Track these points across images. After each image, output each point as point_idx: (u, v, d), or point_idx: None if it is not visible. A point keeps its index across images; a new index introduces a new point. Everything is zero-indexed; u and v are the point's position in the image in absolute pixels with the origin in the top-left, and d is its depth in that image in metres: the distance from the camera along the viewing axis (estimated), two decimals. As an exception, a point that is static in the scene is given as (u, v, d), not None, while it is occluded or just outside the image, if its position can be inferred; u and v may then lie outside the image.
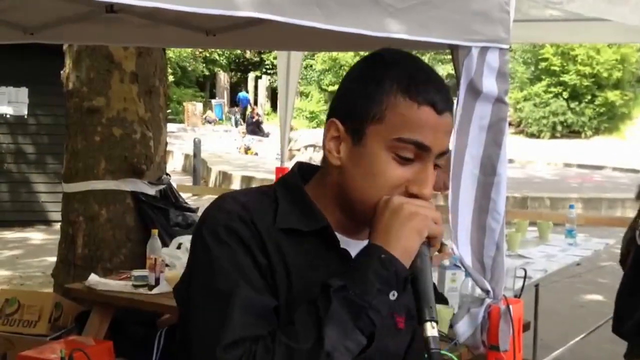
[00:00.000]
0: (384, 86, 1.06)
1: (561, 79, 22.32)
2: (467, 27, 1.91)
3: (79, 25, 3.15)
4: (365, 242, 1.09)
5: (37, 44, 3.40)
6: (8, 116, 8.98)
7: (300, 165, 1.19)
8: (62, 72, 4.78)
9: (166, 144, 4.98)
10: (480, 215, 2.04)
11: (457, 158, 2.02)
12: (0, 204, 9.10)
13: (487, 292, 2.07)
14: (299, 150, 15.37)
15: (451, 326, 2.36)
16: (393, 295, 1.00)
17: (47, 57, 5.83)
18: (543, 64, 22.62)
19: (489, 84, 1.97)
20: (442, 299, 2.66)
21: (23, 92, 8.95)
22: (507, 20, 1.94)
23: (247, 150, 19.22)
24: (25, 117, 9.01)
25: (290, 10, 1.54)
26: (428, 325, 0.99)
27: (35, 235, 8.66)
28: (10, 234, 8.66)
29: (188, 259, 1.12)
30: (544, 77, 22.70)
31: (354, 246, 1.10)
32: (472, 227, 2.05)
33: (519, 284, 2.58)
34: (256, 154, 18.94)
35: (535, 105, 22.49)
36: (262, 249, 1.05)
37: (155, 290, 3.27)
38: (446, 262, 2.87)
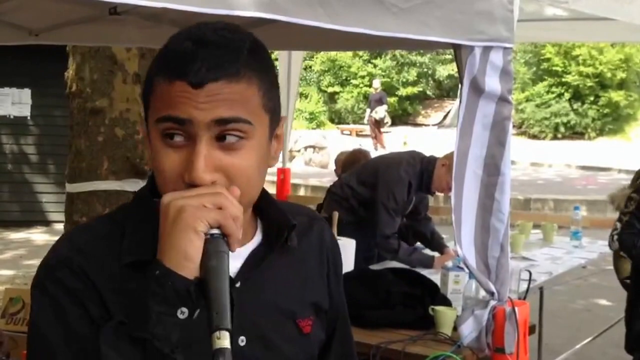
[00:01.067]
0: (149, 71, 0.95)
1: (563, 79, 22.25)
2: (471, 26, 1.91)
3: (83, 26, 3.16)
4: (247, 245, 1.01)
5: (40, 45, 3.42)
6: (11, 117, 8.99)
7: (152, 174, 1.00)
8: (65, 73, 4.79)
9: (168, 144, 4.98)
10: (484, 215, 2.03)
11: (460, 158, 2.02)
12: (3, 205, 9.11)
13: (491, 293, 2.06)
14: (299, 151, 15.36)
15: (455, 328, 2.35)
16: (182, 314, 0.85)
17: (49, 58, 5.85)
18: (545, 65, 22.56)
19: (492, 83, 1.96)
20: (445, 301, 2.65)
21: (26, 94, 8.97)
22: (510, 20, 1.93)
23: None
24: (28, 118, 9.02)
25: (294, 10, 1.54)
26: (215, 335, 0.82)
27: (38, 236, 8.67)
28: (13, 235, 8.67)
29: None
30: (545, 77, 22.63)
31: (233, 256, 0.93)
32: (476, 228, 2.04)
33: (523, 286, 2.56)
34: None
35: (537, 106, 22.42)
36: (97, 301, 0.93)
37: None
38: (449, 264, 2.86)
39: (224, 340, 0.82)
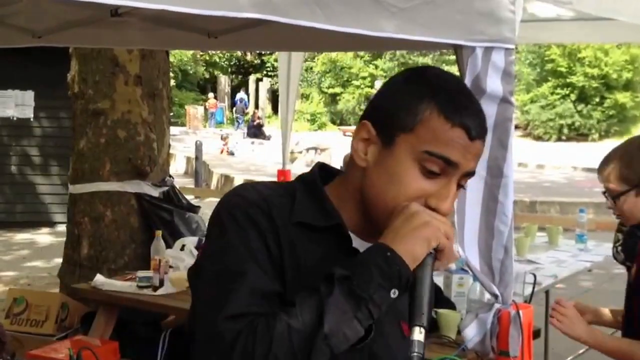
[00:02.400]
0: (422, 100, 1.10)
1: (568, 80, 22.19)
2: (471, 27, 1.89)
3: (85, 28, 3.17)
4: None
5: (43, 48, 3.44)
6: (14, 119, 9.01)
7: (320, 165, 1.23)
8: (68, 75, 4.80)
9: (169, 146, 4.99)
10: (487, 217, 2.01)
11: (463, 160, 2.00)
12: (6, 206, 9.13)
13: (495, 296, 2.03)
14: (300, 152, 15.36)
15: (459, 331, 2.33)
16: (394, 294, 1.02)
17: (52, 61, 5.86)
18: (549, 66, 22.50)
19: (494, 84, 1.94)
20: (449, 304, 2.63)
21: (29, 95, 8.99)
22: (512, 20, 1.91)
23: (230, 154, 19.10)
24: (31, 119, 9.04)
25: (292, 11, 1.53)
26: (416, 329, 1.02)
27: (42, 237, 8.69)
28: (16, 235, 8.69)
29: (204, 240, 1.16)
30: (550, 78, 22.57)
31: (364, 248, 1.12)
32: (480, 230, 2.02)
33: (528, 289, 2.54)
34: (232, 153, 18.85)
35: (541, 107, 22.37)
36: (276, 241, 1.08)
37: (159, 292, 3.26)
38: (453, 266, 2.84)
39: (422, 335, 1.02)
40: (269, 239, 1.08)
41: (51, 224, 9.05)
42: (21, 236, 8.71)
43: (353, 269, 1.02)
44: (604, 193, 2.25)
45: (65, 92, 4.88)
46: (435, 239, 1.05)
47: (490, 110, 1.93)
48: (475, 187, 2.00)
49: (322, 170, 1.21)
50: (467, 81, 1.91)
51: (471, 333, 2.10)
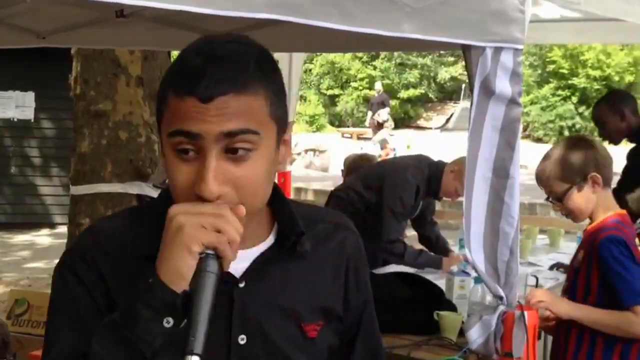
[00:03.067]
0: (162, 85, 1.00)
1: (570, 82, 22.16)
2: (484, 27, 1.89)
3: (90, 29, 3.17)
4: (251, 250, 1.05)
5: (44, 48, 3.43)
6: (15, 120, 9.00)
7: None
8: (69, 76, 4.79)
9: (171, 147, 4.99)
10: (493, 219, 2.01)
11: (470, 160, 2.00)
12: (7, 207, 9.12)
13: (500, 298, 2.03)
14: (299, 154, 15.35)
15: (461, 333, 2.33)
16: (168, 323, 0.91)
17: (53, 62, 5.85)
18: (551, 67, 22.47)
19: (503, 85, 1.94)
20: (450, 306, 2.63)
21: (30, 97, 8.99)
22: (522, 20, 1.91)
23: None
24: (32, 121, 9.03)
25: (307, 11, 1.53)
26: (187, 358, 0.87)
27: (42, 238, 8.68)
28: (17, 237, 8.68)
29: None
30: (551, 80, 22.54)
31: (241, 257, 1.00)
32: (486, 231, 2.02)
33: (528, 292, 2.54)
34: None
35: (542, 109, 22.34)
36: (104, 291, 1.02)
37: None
38: (454, 269, 2.84)
39: None
40: (97, 294, 1.02)
41: (51, 225, 9.03)
42: (21, 237, 8.70)
43: (122, 309, 0.94)
44: (547, 199, 2.32)
45: (66, 93, 4.88)
46: (196, 241, 0.91)
47: (498, 111, 1.93)
48: (480, 189, 2.00)
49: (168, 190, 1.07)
50: (477, 82, 1.91)
51: (475, 335, 2.10)
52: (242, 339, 1.03)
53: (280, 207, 1.10)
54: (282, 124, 1.02)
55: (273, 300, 1.06)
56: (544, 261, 3.89)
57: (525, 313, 2.03)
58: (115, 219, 1.10)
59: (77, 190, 4.62)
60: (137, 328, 0.91)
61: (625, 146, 3.85)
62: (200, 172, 0.94)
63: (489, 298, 2.15)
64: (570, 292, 2.35)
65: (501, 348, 2.07)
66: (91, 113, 4.58)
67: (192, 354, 0.87)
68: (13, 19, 3.07)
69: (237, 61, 0.96)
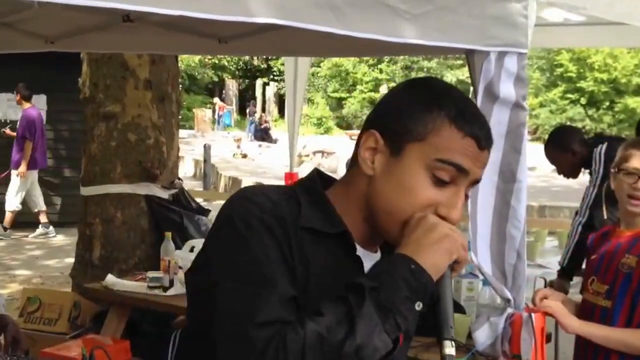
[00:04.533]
0: (432, 110, 1.11)
1: (578, 85, 22.09)
2: (485, 31, 1.89)
3: (97, 34, 3.19)
4: (376, 255, 1.17)
5: (55, 53, 3.46)
6: (27, 122, 9.07)
7: (319, 171, 1.23)
8: (79, 79, 4.83)
9: (178, 149, 5.02)
10: (499, 222, 2.01)
11: (475, 164, 2.00)
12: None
13: (507, 300, 2.03)
14: (307, 156, 15.36)
15: (469, 335, 2.33)
16: (418, 306, 1.01)
17: (64, 65, 5.89)
18: (558, 70, 22.41)
19: (507, 89, 1.94)
20: (458, 308, 2.63)
21: (41, 99, 9.07)
22: (525, 25, 1.92)
23: (244, 156, 19.08)
24: (44, 123, 9.10)
25: (306, 17, 1.54)
26: (447, 343, 1.03)
27: (53, 238, 8.74)
28: (29, 236, 8.74)
29: (206, 243, 1.14)
30: (559, 83, 22.48)
31: (365, 257, 1.14)
32: (492, 235, 2.02)
33: (538, 294, 2.53)
34: (245, 155, 18.89)
35: (551, 111, 22.28)
36: (289, 247, 1.08)
37: (169, 292, 3.29)
38: (462, 271, 2.84)
39: (453, 349, 1.03)
40: (284, 246, 1.08)
41: (62, 224, 9.10)
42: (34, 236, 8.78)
43: (380, 279, 1.02)
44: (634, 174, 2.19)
45: (77, 96, 4.91)
46: (457, 251, 1.07)
47: (503, 115, 1.93)
48: (487, 193, 2.00)
49: (320, 176, 1.21)
50: (480, 87, 1.91)
51: (482, 337, 2.10)
52: None
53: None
54: None
55: None
56: (553, 263, 3.91)
57: (533, 316, 2.03)
58: (278, 191, 1.16)
59: (87, 190, 4.66)
60: (398, 301, 1.00)
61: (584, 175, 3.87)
62: (452, 201, 1.10)
63: (497, 300, 2.15)
64: (614, 296, 2.18)
65: (509, 350, 2.07)
66: (100, 115, 4.62)
67: (453, 340, 1.03)
68: (22, 24, 3.10)
69: (488, 124, 1.15)
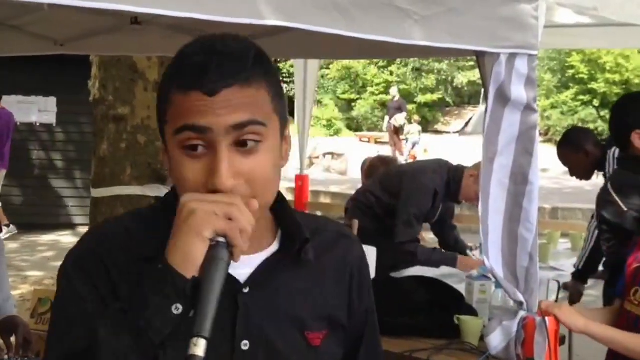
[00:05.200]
0: (163, 84, 0.99)
1: (589, 86, 21.93)
2: (495, 33, 1.88)
3: (106, 36, 3.19)
4: (253, 256, 1.03)
5: (65, 55, 3.47)
6: (37, 125, 9.13)
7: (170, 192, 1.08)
8: (88, 82, 4.85)
9: (188, 150, 5.02)
10: (511, 224, 1.99)
11: (485, 167, 1.99)
12: (31, 208, 9.23)
13: (520, 303, 2.02)
14: (317, 157, 15.35)
15: (481, 338, 2.31)
16: (177, 309, 0.89)
17: (73, 67, 5.92)
18: (570, 72, 22.28)
19: (518, 91, 1.93)
20: (471, 310, 2.61)
21: (51, 102, 9.11)
22: (535, 26, 1.90)
23: None
24: (54, 125, 9.15)
25: (314, 19, 1.53)
26: (192, 341, 0.85)
27: (65, 238, 8.77)
28: (41, 237, 8.79)
29: None
30: (571, 85, 22.35)
31: (245, 263, 0.99)
32: (503, 237, 2.01)
33: (552, 297, 2.51)
34: None
35: (562, 113, 22.14)
36: (111, 289, 0.98)
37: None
38: (474, 273, 2.82)
39: (199, 348, 0.85)
40: (103, 290, 0.98)
41: (73, 226, 9.14)
42: (45, 238, 8.82)
43: (130, 297, 0.92)
44: None
45: (86, 98, 4.93)
46: (208, 226, 0.89)
47: (514, 118, 1.92)
48: (497, 196, 1.99)
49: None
50: (492, 90, 1.90)
51: (495, 340, 2.09)
52: (245, 345, 1.00)
53: (283, 213, 1.08)
54: (283, 119, 1.02)
55: (277, 307, 1.04)
56: (566, 266, 3.83)
57: (547, 319, 2.01)
58: (121, 221, 1.07)
59: (98, 192, 4.67)
60: (147, 314, 0.89)
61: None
62: (212, 166, 0.93)
63: (511, 302, 2.13)
64: None
65: (523, 354, 2.06)
66: (110, 117, 4.63)
67: (199, 336, 0.85)
68: (31, 27, 3.11)
69: (239, 56, 0.96)
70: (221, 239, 0.90)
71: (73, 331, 0.97)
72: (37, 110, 9.09)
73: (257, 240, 1.01)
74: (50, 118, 9.15)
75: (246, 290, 1.01)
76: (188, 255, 0.90)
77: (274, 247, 1.07)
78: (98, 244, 1.02)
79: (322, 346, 1.07)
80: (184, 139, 0.94)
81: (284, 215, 1.08)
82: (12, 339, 2.55)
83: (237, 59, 0.96)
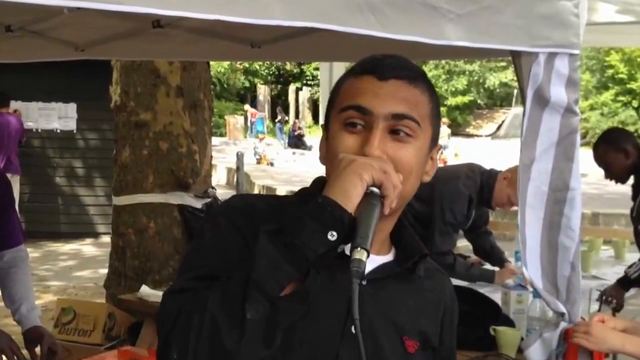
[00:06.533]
0: (340, 79, 1.14)
1: (629, 87, 21.50)
2: (533, 32, 1.79)
3: (127, 41, 3.16)
4: (377, 257, 1.12)
5: (85, 61, 3.45)
6: (58, 131, 9.15)
7: (318, 178, 1.20)
8: (110, 87, 4.81)
9: (211, 157, 4.97)
10: (550, 233, 1.90)
11: (523, 174, 1.90)
12: (52, 217, 9.24)
13: (561, 314, 1.92)
14: (342, 161, 15.24)
15: (520, 351, 2.23)
16: (332, 236, 0.97)
17: (94, 73, 5.91)
18: (609, 72, 21.86)
19: (558, 93, 1.83)
20: (507, 321, 2.52)
21: (72, 108, 9.13)
22: (576, 24, 1.81)
23: (259, 160, 19.02)
24: (75, 132, 9.16)
25: (346, 20, 1.47)
26: (355, 250, 0.96)
27: (87, 248, 8.79)
28: (63, 247, 8.81)
29: None
30: (610, 85, 21.92)
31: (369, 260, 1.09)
32: (542, 246, 1.92)
33: (594, 307, 2.41)
34: (271, 164, 18.77)
35: (602, 114, 21.72)
36: (250, 238, 1.05)
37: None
38: (510, 282, 2.73)
39: (362, 255, 0.96)
40: (245, 230, 1.07)
41: (95, 235, 9.14)
42: (68, 247, 8.83)
43: (286, 222, 1.00)
44: None
45: (107, 104, 4.91)
46: (367, 172, 1.00)
47: (553, 122, 1.83)
48: (535, 203, 1.90)
49: (318, 182, 1.17)
50: (529, 92, 1.81)
51: (535, 354, 1.99)
52: (354, 330, 1.03)
53: (400, 228, 1.18)
54: (435, 137, 1.14)
55: (385, 307, 1.12)
56: (608, 274, 3.66)
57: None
58: (264, 200, 1.16)
59: (120, 200, 4.64)
60: (303, 235, 0.96)
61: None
62: (366, 139, 1.05)
63: (550, 313, 2.04)
64: None
65: (565, 367, 1.96)
66: (132, 124, 4.60)
67: (362, 247, 0.96)
68: (52, 32, 3.08)
69: (411, 65, 1.12)
70: (375, 189, 1.01)
71: (213, 257, 1.05)
72: (57, 116, 9.12)
73: (379, 243, 1.13)
74: (71, 124, 9.16)
75: (364, 282, 1.07)
76: (346, 193, 0.99)
77: (389, 257, 1.17)
78: (248, 207, 1.10)
79: (416, 356, 1.15)
80: (347, 116, 1.07)
81: (403, 232, 1.18)
82: (37, 349, 2.52)
83: (410, 65, 1.12)
